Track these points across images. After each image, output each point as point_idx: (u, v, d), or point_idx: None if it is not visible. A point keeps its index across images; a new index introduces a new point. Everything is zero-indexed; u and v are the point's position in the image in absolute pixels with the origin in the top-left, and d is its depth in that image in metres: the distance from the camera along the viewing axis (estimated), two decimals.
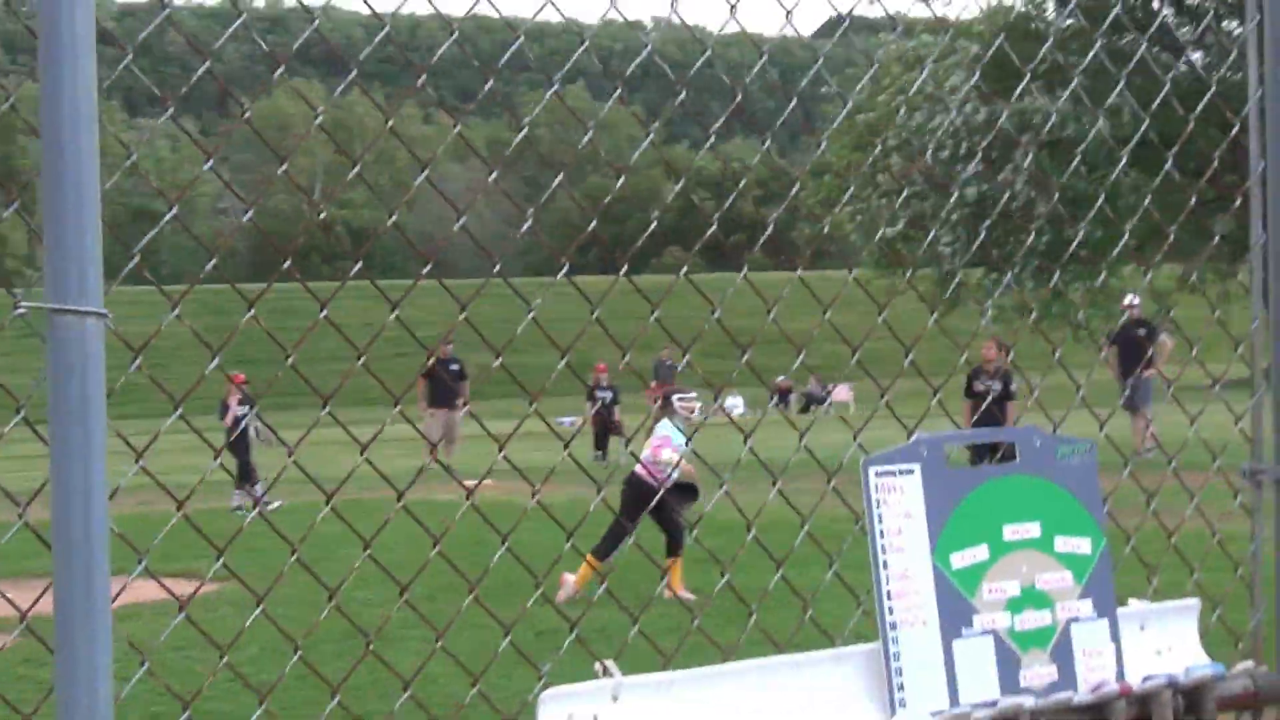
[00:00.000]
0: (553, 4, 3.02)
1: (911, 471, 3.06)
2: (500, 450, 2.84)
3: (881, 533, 3.03)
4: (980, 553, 3.10)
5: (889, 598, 3.00)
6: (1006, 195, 46.40)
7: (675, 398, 14.36)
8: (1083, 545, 3.18)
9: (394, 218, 2.86)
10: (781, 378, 47.99)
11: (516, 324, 2.66)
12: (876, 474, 3.03)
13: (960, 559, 3.09)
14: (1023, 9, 51.09)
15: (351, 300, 8.24)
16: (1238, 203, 3.65)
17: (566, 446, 3.06)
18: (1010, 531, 3.14)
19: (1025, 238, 45.79)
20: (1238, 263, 51.30)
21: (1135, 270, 51.15)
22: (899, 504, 3.04)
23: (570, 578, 13.71)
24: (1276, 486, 3.31)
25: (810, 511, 3.26)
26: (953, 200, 45.83)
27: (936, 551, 3.07)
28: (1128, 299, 24.63)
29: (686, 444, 13.07)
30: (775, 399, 48.66)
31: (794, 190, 3.75)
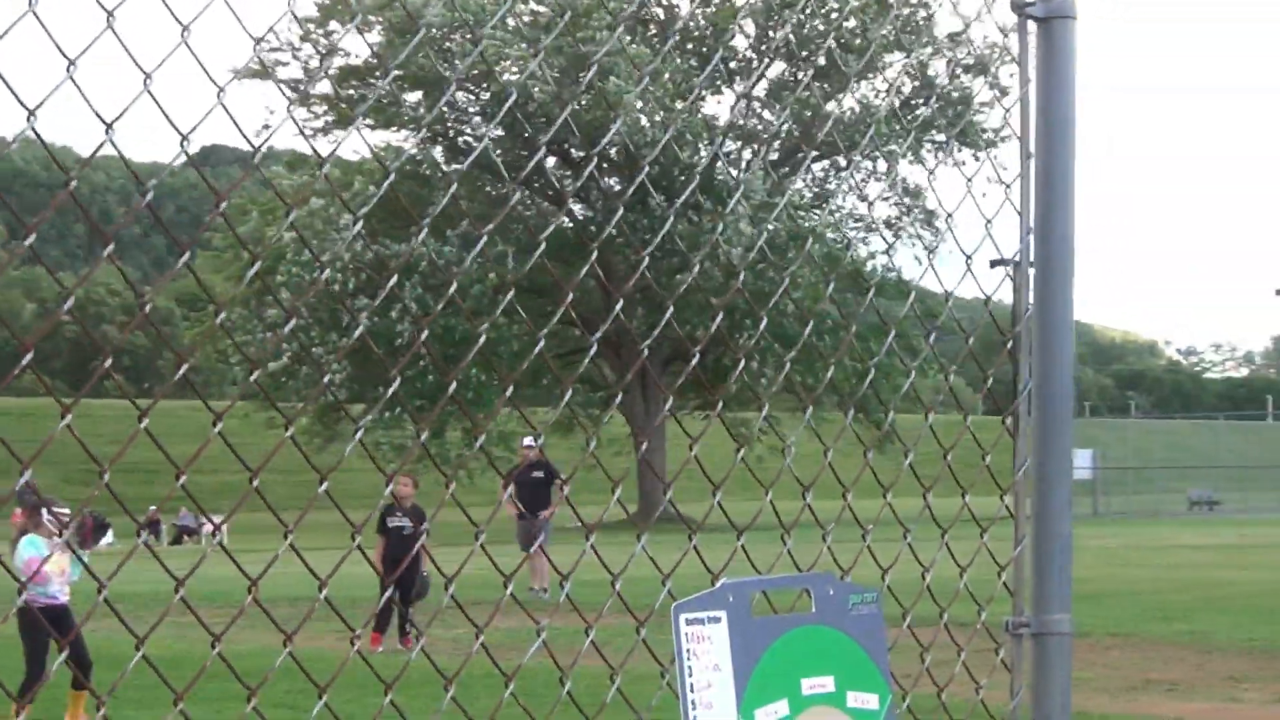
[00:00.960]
0: None
1: (719, 620, 2.80)
2: None
3: (692, 687, 2.74)
4: (782, 708, 2.86)
5: None
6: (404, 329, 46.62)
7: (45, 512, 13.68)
8: (871, 701, 2.99)
9: None
10: (152, 508, 46.44)
11: None
12: (687, 621, 2.75)
13: (764, 715, 2.83)
14: (412, 152, 51.78)
15: None
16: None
17: None
18: (808, 685, 2.91)
19: (411, 376, 46.14)
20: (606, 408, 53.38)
21: (513, 414, 52.46)
22: (709, 655, 2.77)
23: None
24: (1035, 641, 3.20)
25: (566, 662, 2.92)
26: (342, 336, 45.76)
27: (743, 707, 2.80)
28: (527, 441, 25.04)
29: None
30: (145, 531, 46.89)
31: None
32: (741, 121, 55.33)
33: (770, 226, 49.63)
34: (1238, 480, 74.70)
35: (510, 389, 3.02)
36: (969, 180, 3.45)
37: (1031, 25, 3.27)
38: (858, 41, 50.07)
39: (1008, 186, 3.32)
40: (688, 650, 2.74)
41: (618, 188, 53.50)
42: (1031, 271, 3.30)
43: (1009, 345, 3.65)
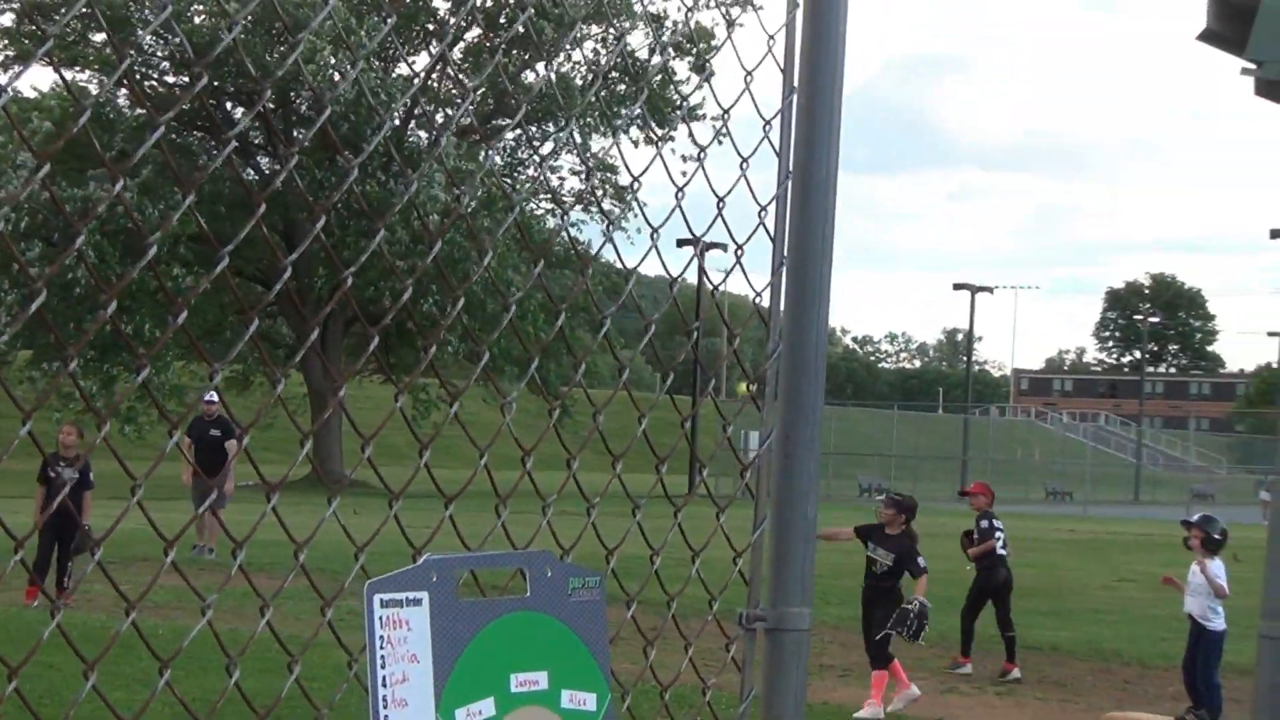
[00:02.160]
0: None
1: (419, 602, 2.36)
2: None
3: (384, 680, 2.30)
4: (487, 707, 2.44)
5: None
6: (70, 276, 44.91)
7: None
8: (588, 700, 2.59)
9: None
10: None
11: None
12: (382, 604, 2.31)
13: (465, 715, 2.41)
14: (96, 94, 49.92)
15: None
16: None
17: None
18: (518, 682, 2.49)
19: (84, 323, 44.61)
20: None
21: (187, 366, 50.98)
22: (405, 643, 2.33)
23: None
24: (770, 637, 2.85)
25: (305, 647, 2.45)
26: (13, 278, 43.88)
27: (442, 706, 2.38)
28: (208, 396, 24.23)
29: None
30: None
31: None
32: (436, 85, 54.64)
33: (458, 192, 49.15)
34: (909, 469, 76.63)
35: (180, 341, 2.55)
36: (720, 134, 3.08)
37: None
38: (556, 10, 49.75)
39: (767, 123, 2.95)
40: (381, 637, 2.31)
41: (309, 144, 52.37)
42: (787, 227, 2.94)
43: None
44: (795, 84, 2.91)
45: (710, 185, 2.94)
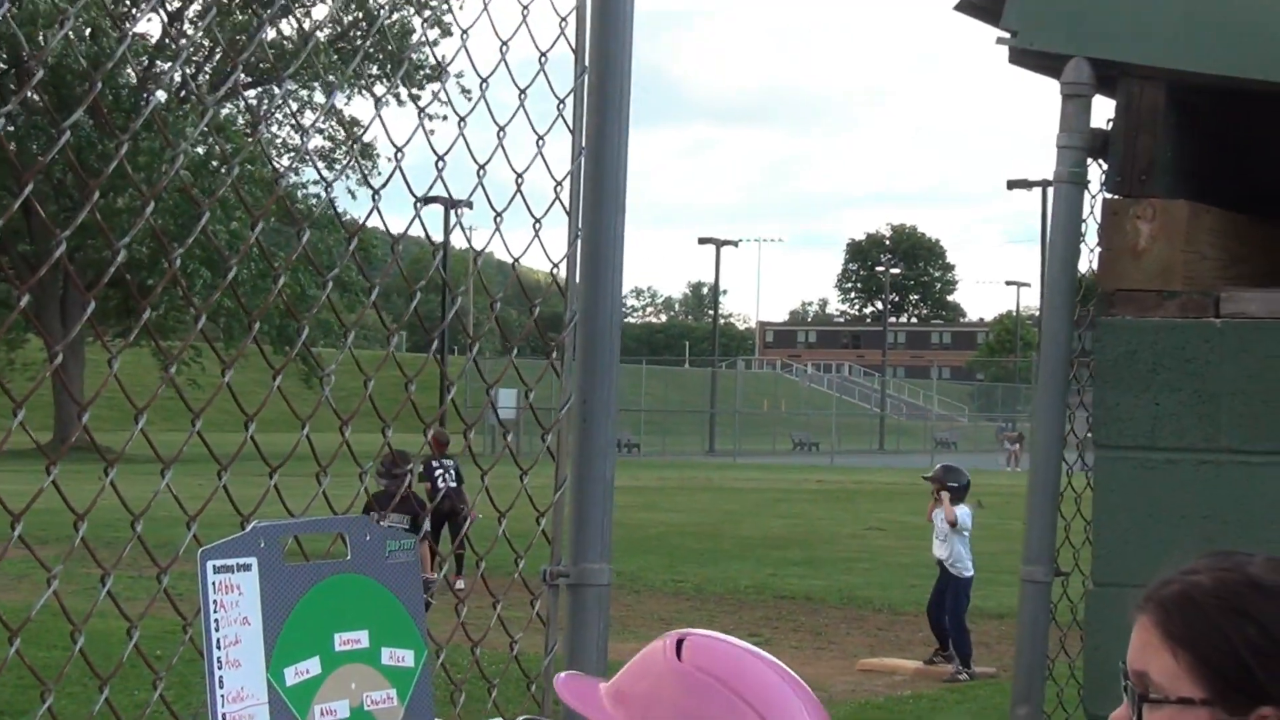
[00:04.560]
0: None
1: (249, 567, 2.47)
2: None
3: (218, 643, 2.40)
4: (313, 666, 2.55)
5: None
6: None
7: None
8: (406, 658, 2.71)
9: None
10: None
11: None
12: (215, 569, 2.41)
13: (294, 674, 2.52)
14: None
15: None
16: None
17: None
18: (341, 641, 2.61)
19: None
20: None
21: None
22: (236, 607, 2.43)
23: None
24: (572, 592, 3.00)
25: (140, 615, 2.53)
26: None
27: (272, 666, 2.48)
28: None
29: None
30: None
31: None
32: (171, 42, 53.56)
33: (200, 149, 48.36)
34: (658, 424, 77.30)
35: None
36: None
37: None
38: None
39: (561, 101, 3.08)
40: (215, 601, 2.41)
41: (45, 104, 51.03)
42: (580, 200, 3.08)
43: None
44: (587, 64, 3.05)
45: (509, 162, 3.06)
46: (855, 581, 21.40)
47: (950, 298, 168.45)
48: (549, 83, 3.08)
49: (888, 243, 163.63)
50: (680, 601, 19.26)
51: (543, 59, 3.10)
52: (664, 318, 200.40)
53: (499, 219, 3.25)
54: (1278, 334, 4.12)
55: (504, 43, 3.03)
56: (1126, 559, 4.24)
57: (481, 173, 3.07)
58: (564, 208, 3.09)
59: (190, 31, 53.97)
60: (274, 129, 56.74)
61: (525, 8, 3.04)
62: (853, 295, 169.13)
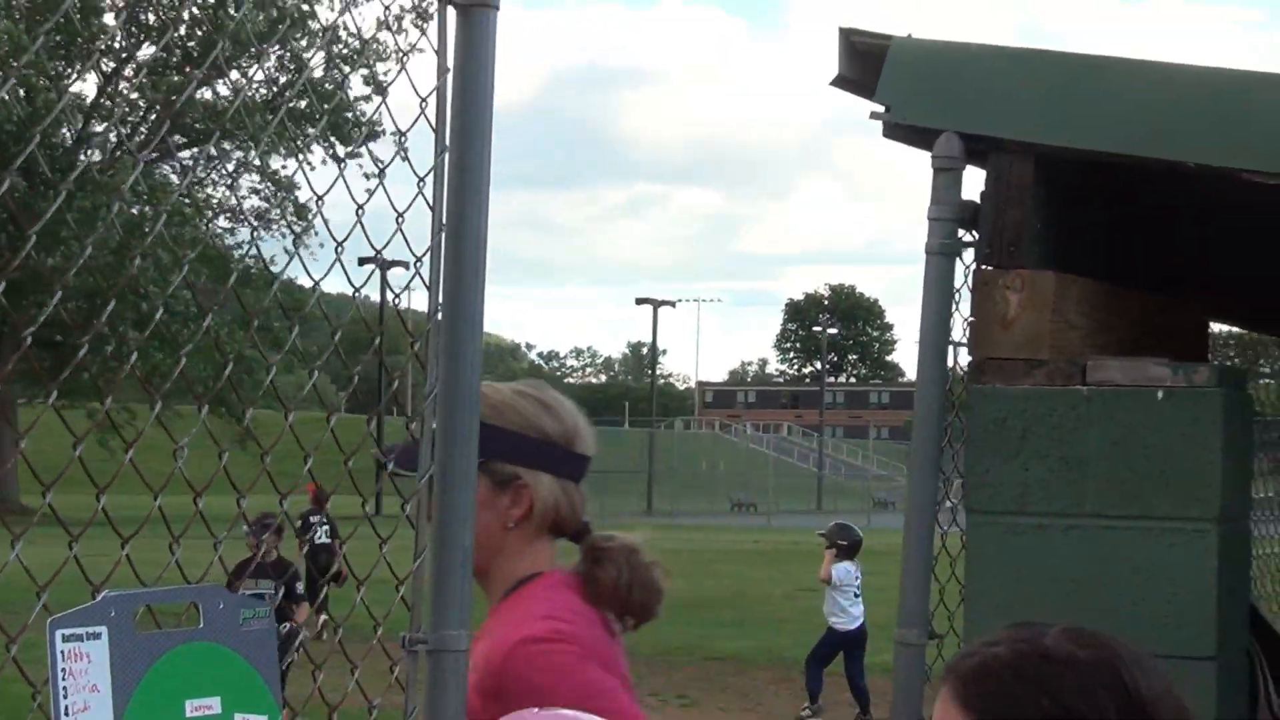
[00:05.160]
0: None
1: (99, 636, 2.53)
2: None
3: (67, 710, 2.47)
4: None
5: None
6: None
7: None
8: None
9: None
10: None
11: None
12: (64, 638, 2.48)
13: None
14: None
15: None
16: None
17: None
18: (192, 707, 2.67)
19: None
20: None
21: None
22: (85, 675, 2.50)
23: None
24: (431, 658, 3.07)
25: None
26: None
27: None
28: None
29: None
30: None
31: None
32: (107, 102, 53.56)
33: (135, 210, 48.28)
34: (596, 483, 76.90)
35: None
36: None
37: (451, 12, 3.14)
38: (231, 26, 49.20)
39: (421, 179, 3.17)
40: (63, 670, 2.47)
41: None
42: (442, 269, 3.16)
43: (376, 342, 3.55)
44: (447, 143, 3.14)
45: (393, 203, 3.15)
46: (785, 642, 21.50)
47: (889, 357, 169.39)
48: (409, 162, 3.17)
49: (826, 302, 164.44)
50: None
51: (402, 138, 3.20)
52: (604, 378, 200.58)
53: (357, 294, 3.35)
54: (1141, 401, 4.23)
55: (368, 122, 3.12)
56: (999, 622, 4.32)
57: (340, 249, 3.15)
58: (424, 282, 3.17)
59: (125, 91, 54.00)
60: (209, 189, 56.77)
61: (385, 87, 3.12)
62: (791, 355, 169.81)
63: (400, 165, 3.21)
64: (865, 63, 4.53)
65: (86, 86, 59.94)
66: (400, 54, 3.37)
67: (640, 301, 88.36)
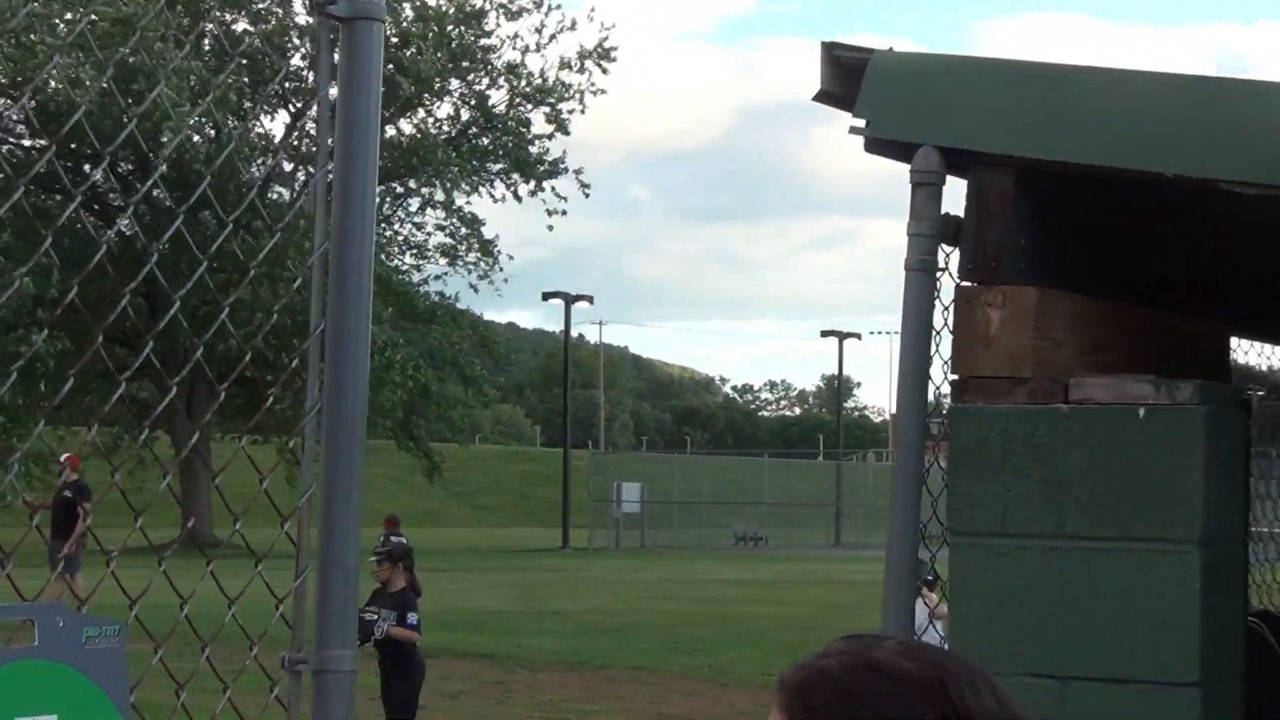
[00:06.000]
0: None
1: None
2: None
3: None
4: None
5: None
6: None
7: None
8: None
9: None
10: None
11: None
12: None
13: None
14: None
15: None
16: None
17: None
18: None
19: None
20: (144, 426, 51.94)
21: (55, 431, 50.47)
22: None
23: None
24: (316, 679, 3.05)
25: None
26: None
27: None
28: (64, 456, 24.38)
29: None
30: None
31: None
32: (296, 142, 54.59)
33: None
34: (783, 516, 76.91)
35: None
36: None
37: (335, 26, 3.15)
38: (416, 67, 49.98)
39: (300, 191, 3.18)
40: None
41: (168, 203, 52.18)
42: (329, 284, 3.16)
43: (293, 363, 3.54)
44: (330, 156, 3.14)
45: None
46: None
47: None
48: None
49: None
50: (764, 695, 19.14)
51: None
52: (798, 410, 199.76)
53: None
54: (1123, 420, 4.10)
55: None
56: (981, 645, 4.22)
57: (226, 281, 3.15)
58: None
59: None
60: (395, 227, 57.56)
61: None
62: None
63: None
64: (848, 77, 4.45)
65: (275, 125, 61.24)
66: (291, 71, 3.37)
67: (826, 334, 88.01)
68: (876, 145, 4.43)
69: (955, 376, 4.30)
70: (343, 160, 3.14)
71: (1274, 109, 4.08)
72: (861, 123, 4.39)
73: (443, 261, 56.16)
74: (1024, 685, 4.13)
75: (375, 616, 12.15)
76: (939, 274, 4.41)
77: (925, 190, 4.34)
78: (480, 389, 57.59)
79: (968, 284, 4.30)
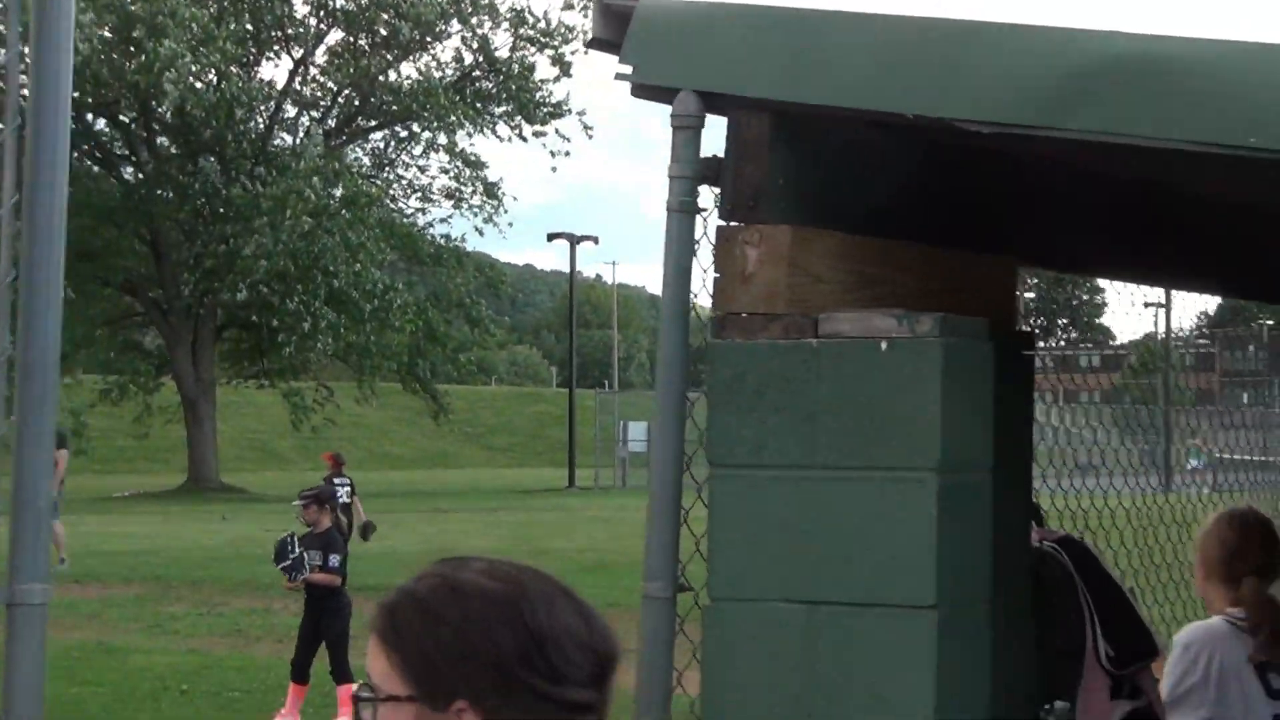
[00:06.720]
0: None
1: None
2: None
3: None
4: None
5: None
6: None
7: None
8: None
9: None
10: None
11: None
12: None
13: None
14: None
15: None
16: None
17: None
18: None
19: None
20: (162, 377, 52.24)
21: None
22: None
23: None
24: (10, 611, 3.22)
25: None
26: None
27: None
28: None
29: None
30: None
31: None
32: (299, 88, 54.62)
33: (330, 193, 49.23)
34: None
35: None
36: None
37: None
38: (414, 10, 49.90)
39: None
40: None
41: (174, 150, 52.36)
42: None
43: None
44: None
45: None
46: None
47: (1099, 320, 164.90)
48: None
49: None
50: None
51: None
52: None
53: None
54: (868, 353, 4.23)
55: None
56: (739, 574, 4.38)
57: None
58: None
59: (316, 76, 55.02)
60: (399, 170, 57.62)
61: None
62: None
63: None
64: (619, 24, 4.57)
65: (278, 72, 61.23)
66: None
67: None
68: (642, 90, 4.56)
69: (715, 314, 4.42)
70: (35, 114, 3.28)
71: (1007, 50, 4.20)
72: (628, 69, 4.51)
73: (447, 204, 56.24)
74: (778, 610, 4.28)
75: (304, 555, 12.66)
76: (704, 213, 4.54)
77: (684, 134, 4.47)
78: (486, 330, 57.72)
79: (727, 224, 4.43)
